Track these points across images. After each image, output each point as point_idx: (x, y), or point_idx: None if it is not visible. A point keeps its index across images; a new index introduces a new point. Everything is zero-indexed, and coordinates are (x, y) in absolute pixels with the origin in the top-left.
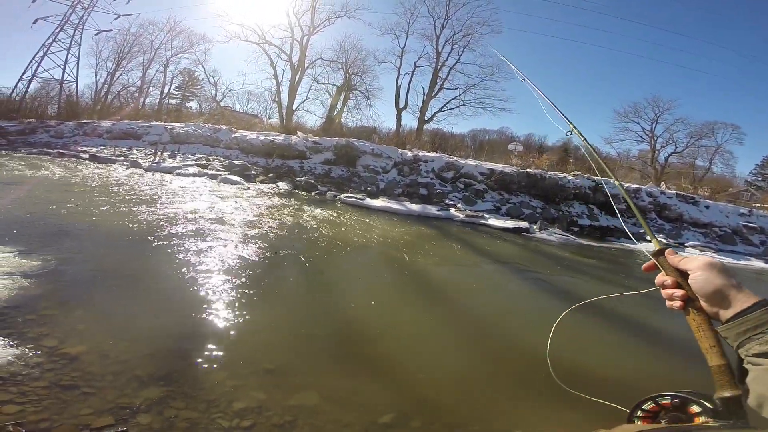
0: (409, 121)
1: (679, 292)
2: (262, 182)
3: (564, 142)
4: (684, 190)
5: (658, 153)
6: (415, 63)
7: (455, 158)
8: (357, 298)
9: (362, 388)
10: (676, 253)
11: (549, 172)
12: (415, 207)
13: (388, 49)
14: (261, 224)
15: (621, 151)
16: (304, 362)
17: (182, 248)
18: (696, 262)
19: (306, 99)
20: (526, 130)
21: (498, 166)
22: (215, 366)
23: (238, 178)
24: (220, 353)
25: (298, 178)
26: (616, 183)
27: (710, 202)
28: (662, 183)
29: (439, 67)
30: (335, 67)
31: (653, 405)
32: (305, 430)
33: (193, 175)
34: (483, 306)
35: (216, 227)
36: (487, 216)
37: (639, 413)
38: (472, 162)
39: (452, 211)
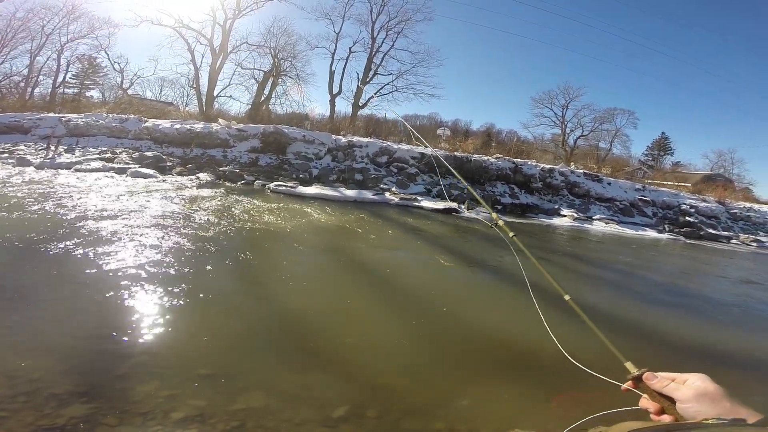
0: (344, 107)
1: (667, 419)
2: (179, 174)
3: (487, 128)
4: (590, 169)
5: (567, 136)
6: (350, 48)
7: (389, 143)
8: (296, 290)
9: (312, 382)
10: (656, 377)
11: (474, 155)
12: (350, 193)
13: (323, 34)
14: (181, 219)
15: (537, 135)
16: (244, 363)
17: (88, 253)
18: (685, 391)
19: (229, 85)
20: (453, 115)
21: (428, 150)
22: (144, 377)
23: (151, 171)
24: (147, 363)
25: (221, 168)
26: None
27: (612, 179)
28: (572, 163)
29: (374, 53)
30: (263, 52)
31: None
32: None
33: (97, 170)
34: (423, 287)
35: (127, 226)
36: (419, 198)
37: None
38: (404, 146)
39: (387, 195)
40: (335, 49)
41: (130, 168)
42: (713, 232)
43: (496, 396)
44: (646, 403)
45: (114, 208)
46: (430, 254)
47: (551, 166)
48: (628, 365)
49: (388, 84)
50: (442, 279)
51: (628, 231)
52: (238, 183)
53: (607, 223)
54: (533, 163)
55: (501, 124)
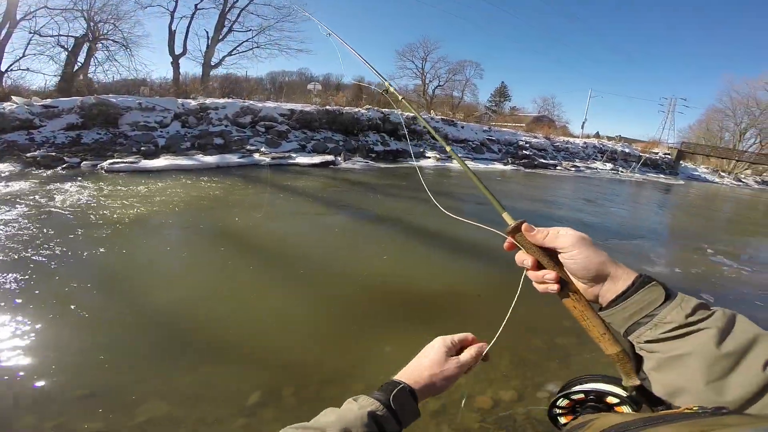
0: (192, 68)
1: (551, 274)
2: None
3: (358, 81)
4: (446, 115)
5: (427, 86)
6: (196, 5)
7: (251, 102)
8: (169, 282)
9: (213, 376)
10: (534, 228)
11: (346, 108)
12: (210, 159)
13: None
14: None
15: (401, 86)
16: (133, 372)
17: None
18: (565, 238)
19: (23, 57)
20: (324, 70)
21: (298, 106)
22: (16, 412)
23: None
24: (13, 396)
25: (29, 154)
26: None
27: (465, 123)
28: (431, 111)
29: (228, 9)
30: (71, 16)
31: (567, 401)
32: None
33: None
34: (312, 250)
35: None
36: (294, 155)
37: (557, 411)
38: (270, 104)
39: (256, 156)
40: (176, 7)
41: None
42: (544, 161)
43: (399, 342)
44: (522, 256)
45: None
46: (311, 212)
47: (414, 114)
48: (506, 216)
49: (247, 41)
50: (327, 236)
51: (481, 165)
52: (58, 168)
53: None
54: (399, 112)
55: (370, 78)
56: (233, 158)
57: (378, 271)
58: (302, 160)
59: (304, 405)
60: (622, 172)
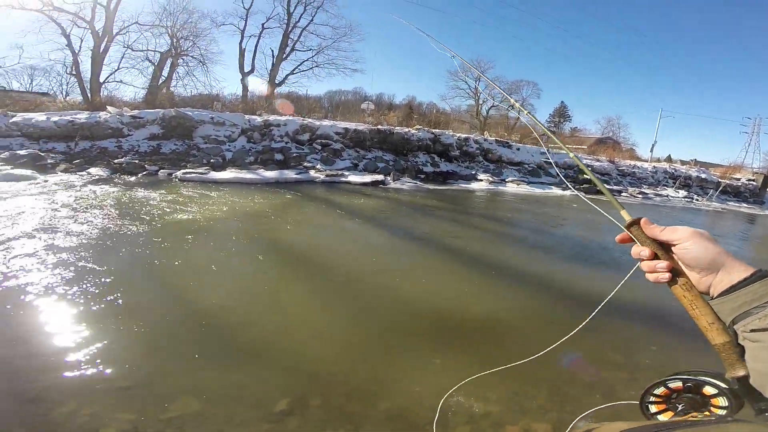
0: (259, 85)
1: (663, 263)
2: (65, 171)
3: (409, 101)
4: (501, 137)
5: (480, 107)
6: (263, 25)
7: (310, 120)
8: (216, 284)
9: (248, 380)
10: (652, 224)
11: (397, 128)
12: (270, 174)
13: (230, 11)
14: (76, 223)
15: (454, 106)
16: (168, 369)
17: None
18: (682, 231)
19: (118, 69)
20: (378, 90)
21: (352, 125)
22: (59, 397)
23: (28, 172)
24: (60, 382)
25: (116, 161)
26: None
27: (520, 145)
28: (485, 132)
29: (290, 29)
30: (158, 32)
31: (664, 389)
32: None
33: None
34: (355, 265)
35: (9, 238)
36: (346, 173)
37: (651, 398)
38: (327, 122)
39: (312, 173)
40: (245, 26)
41: None
42: (607, 187)
43: (434, 366)
44: (638, 249)
45: None
46: (358, 229)
47: (467, 135)
48: (624, 213)
49: (307, 60)
50: (370, 253)
51: (537, 190)
52: (140, 175)
53: (518, 184)
54: (450, 133)
55: (421, 97)
56: (291, 174)
57: (418, 292)
58: (354, 178)
59: (329, 418)
60: (697, 200)
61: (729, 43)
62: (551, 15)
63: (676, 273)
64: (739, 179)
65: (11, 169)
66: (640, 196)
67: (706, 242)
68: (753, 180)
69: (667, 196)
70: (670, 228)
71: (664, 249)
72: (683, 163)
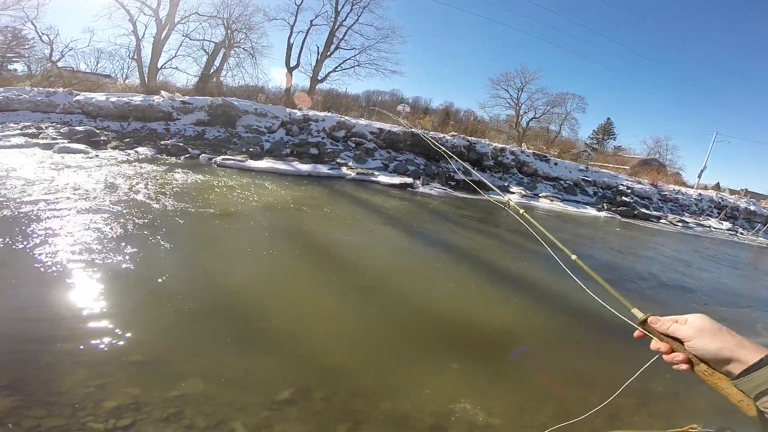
0: (302, 80)
1: (680, 357)
2: (115, 149)
3: (446, 106)
4: (539, 150)
5: (521, 118)
6: (311, 21)
7: (347, 118)
8: (239, 270)
9: (255, 366)
10: (659, 320)
11: (431, 132)
12: (304, 167)
13: (282, 6)
14: (114, 196)
15: (492, 115)
16: (182, 348)
17: (5, 235)
18: (686, 329)
19: (175, 56)
20: (415, 92)
21: (386, 126)
22: (70, 366)
23: (82, 146)
24: (73, 351)
25: (163, 142)
26: None
27: (558, 159)
28: (523, 144)
29: (336, 27)
30: (215, 23)
31: None
32: (196, 420)
33: (18, 146)
34: (375, 265)
35: (53, 204)
36: (376, 173)
37: None
38: (363, 122)
39: (343, 169)
40: (295, 22)
41: (57, 143)
42: (645, 211)
43: (441, 373)
44: (656, 344)
45: (38, 186)
46: (382, 230)
47: (503, 146)
48: (635, 311)
49: (350, 59)
50: (392, 255)
51: (570, 208)
52: (182, 157)
53: (552, 201)
54: (486, 142)
55: (459, 104)
56: (323, 169)
57: (436, 299)
58: (383, 179)
59: (330, 412)
60: (741, 233)
61: None
62: (607, 27)
63: (695, 361)
64: None
65: (68, 143)
66: (679, 224)
67: (706, 339)
68: None
69: (709, 227)
70: (675, 325)
71: (678, 341)
72: (732, 192)
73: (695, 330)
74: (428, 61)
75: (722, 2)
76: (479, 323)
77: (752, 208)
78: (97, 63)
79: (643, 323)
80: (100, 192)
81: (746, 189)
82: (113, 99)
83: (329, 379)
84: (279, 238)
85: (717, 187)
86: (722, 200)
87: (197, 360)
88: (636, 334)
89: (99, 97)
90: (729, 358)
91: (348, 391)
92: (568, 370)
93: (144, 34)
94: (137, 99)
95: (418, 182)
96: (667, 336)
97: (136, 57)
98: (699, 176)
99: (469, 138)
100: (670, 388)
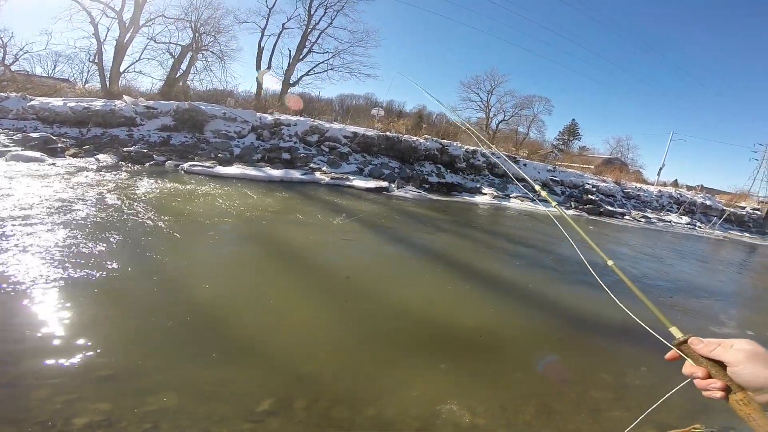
0: (273, 84)
1: (717, 384)
2: (74, 156)
3: (419, 110)
4: (509, 151)
5: (491, 120)
6: (283, 24)
7: (320, 122)
8: (208, 280)
9: (230, 377)
10: (702, 342)
11: (405, 136)
12: (276, 172)
13: (253, 9)
14: (74, 207)
15: (464, 118)
16: (151, 361)
17: None
18: (733, 353)
19: (139, 60)
20: (389, 96)
21: (360, 129)
22: (34, 384)
23: (38, 154)
24: (39, 368)
25: (125, 149)
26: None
27: (527, 160)
28: (493, 146)
29: (309, 30)
30: (181, 26)
31: None
32: None
33: None
34: (351, 270)
35: (7, 218)
36: (351, 177)
37: None
38: (336, 126)
39: (317, 174)
40: (266, 25)
41: (9, 151)
42: (610, 209)
43: (423, 376)
44: (690, 368)
45: None
46: (358, 235)
47: (474, 148)
48: (674, 330)
49: (323, 62)
50: (369, 260)
51: (540, 207)
52: (147, 164)
53: (522, 201)
54: (458, 145)
55: (432, 107)
56: (296, 174)
57: (414, 303)
58: (358, 183)
59: (313, 421)
60: (699, 227)
61: (745, 68)
62: (571, 31)
63: (734, 389)
64: (744, 207)
65: (21, 150)
66: (643, 220)
67: (757, 366)
68: (758, 209)
69: (670, 222)
70: (723, 346)
71: (718, 366)
72: (689, 188)
73: (747, 355)
74: (403, 65)
75: (680, 6)
76: (457, 324)
77: (708, 202)
78: (55, 67)
79: (682, 343)
80: (58, 203)
81: (702, 185)
82: (71, 104)
83: (309, 387)
84: (251, 246)
85: (675, 183)
86: (681, 196)
87: (169, 373)
88: (668, 355)
89: (56, 102)
90: None
91: (330, 399)
92: (551, 367)
93: (106, 36)
94: (98, 104)
95: (393, 186)
96: (708, 359)
97: (96, 60)
98: (658, 174)
99: (442, 141)
100: (647, 381)
